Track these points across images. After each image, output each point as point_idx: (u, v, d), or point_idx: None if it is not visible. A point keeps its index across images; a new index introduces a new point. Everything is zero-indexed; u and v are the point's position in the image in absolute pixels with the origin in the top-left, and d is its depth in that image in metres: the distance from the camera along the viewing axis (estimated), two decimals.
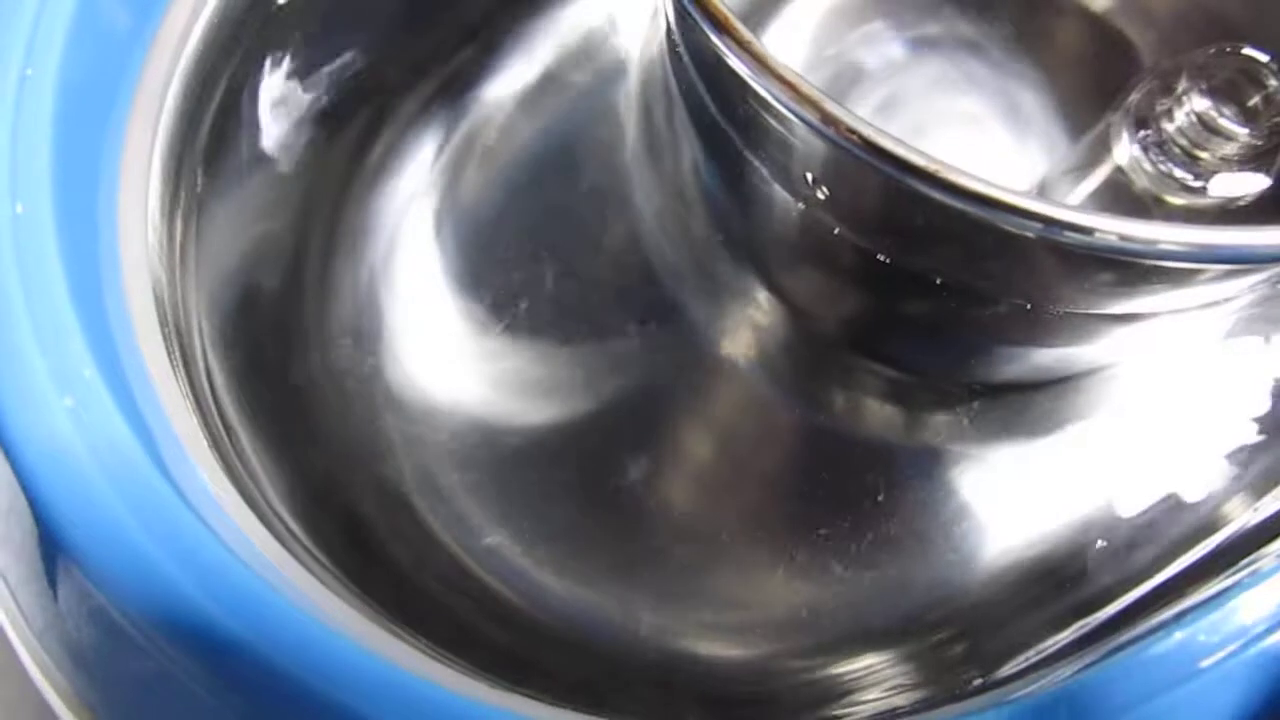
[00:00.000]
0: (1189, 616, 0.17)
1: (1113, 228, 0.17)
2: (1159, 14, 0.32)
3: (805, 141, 0.21)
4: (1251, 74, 0.28)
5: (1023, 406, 0.30)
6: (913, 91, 0.32)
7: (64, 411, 0.17)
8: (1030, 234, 0.19)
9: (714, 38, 0.20)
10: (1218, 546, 0.26)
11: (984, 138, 0.32)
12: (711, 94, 0.24)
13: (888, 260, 0.23)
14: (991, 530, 0.29)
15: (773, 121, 0.21)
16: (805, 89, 0.18)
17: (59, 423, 0.17)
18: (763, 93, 0.19)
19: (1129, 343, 0.29)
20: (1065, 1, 0.32)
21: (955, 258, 0.22)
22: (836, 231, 0.23)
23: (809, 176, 0.22)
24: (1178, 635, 0.17)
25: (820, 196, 0.22)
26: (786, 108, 0.19)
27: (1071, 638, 0.23)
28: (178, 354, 0.21)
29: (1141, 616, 0.21)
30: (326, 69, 0.28)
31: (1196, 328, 0.30)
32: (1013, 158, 0.31)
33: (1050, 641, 0.24)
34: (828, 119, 0.18)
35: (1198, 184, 0.28)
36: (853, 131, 0.18)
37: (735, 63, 0.19)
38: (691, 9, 0.20)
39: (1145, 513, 0.28)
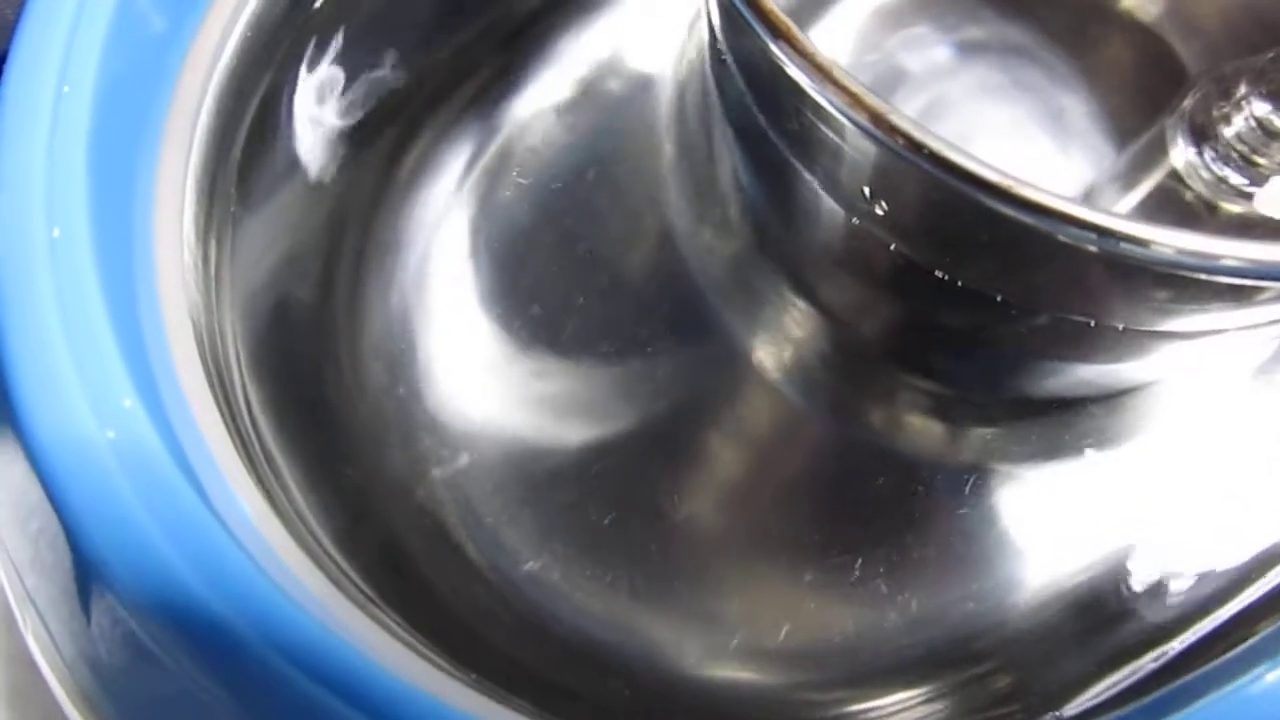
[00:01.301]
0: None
1: (1220, 250, 0.17)
2: (1207, 23, 0.31)
3: (865, 155, 0.20)
4: None
5: (1067, 424, 0.29)
6: (955, 98, 0.31)
7: (106, 445, 0.17)
8: (1114, 252, 0.18)
9: (772, 46, 0.19)
10: None
11: (1028, 145, 0.31)
12: (761, 104, 0.23)
13: (947, 277, 0.22)
14: (1036, 554, 0.28)
15: (830, 134, 0.20)
16: (872, 102, 0.18)
17: (101, 457, 0.17)
18: (824, 104, 0.19)
19: (1183, 358, 0.28)
20: (1112, 10, 0.31)
21: (1021, 275, 0.21)
22: (893, 247, 0.22)
23: (866, 191, 0.21)
24: (1269, 678, 0.16)
25: (879, 212, 0.22)
26: (850, 120, 0.18)
27: (1140, 675, 0.22)
28: (215, 380, 0.20)
29: (1214, 653, 0.20)
30: (358, 80, 0.28)
31: (1252, 341, 0.29)
32: (1058, 165, 0.31)
33: (1114, 678, 0.23)
34: (895, 133, 0.18)
35: (1254, 190, 0.28)
36: (921, 146, 0.18)
37: (795, 73, 0.19)
38: (748, 16, 0.19)
39: (1202, 538, 0.27)
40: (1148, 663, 0.23)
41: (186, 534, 0.17)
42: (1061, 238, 0.18)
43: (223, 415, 0.20)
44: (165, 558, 0.17)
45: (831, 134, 0.20)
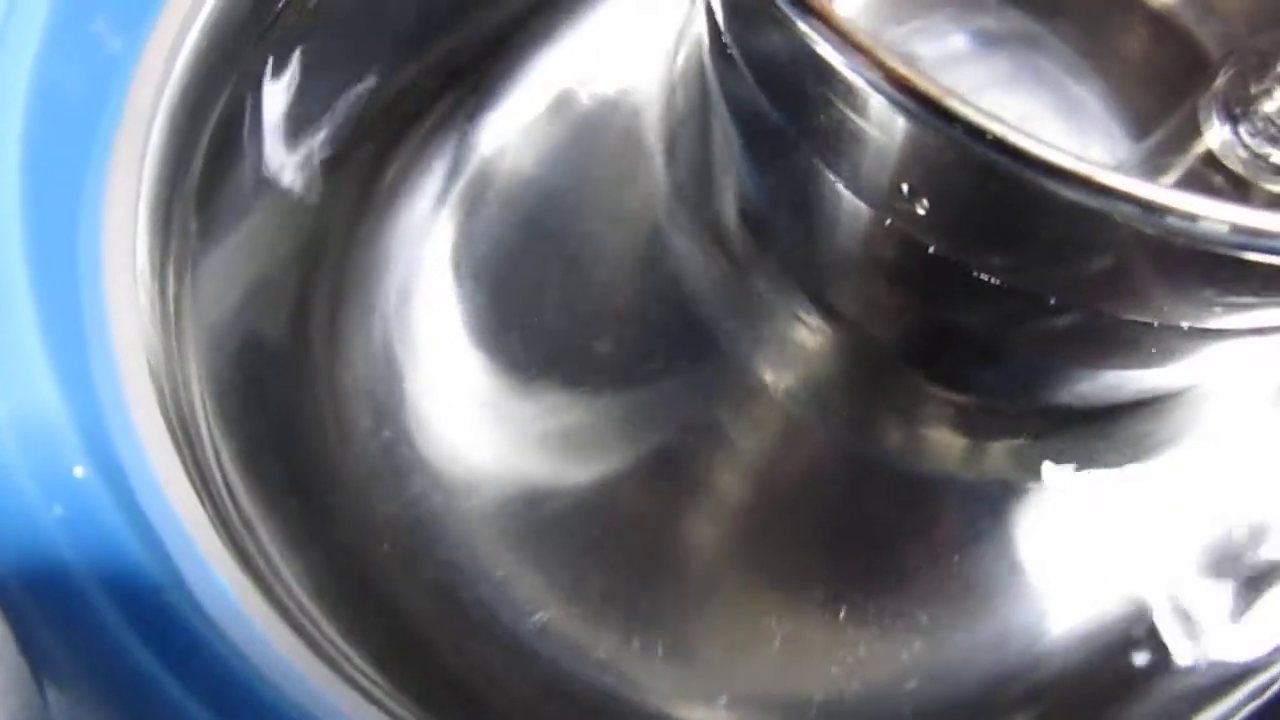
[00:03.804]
0: None
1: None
2: (1225, 5, 0.29)
3: (909, 148, 0.18)
4: None
5: (1103, 433, 0.28)
6: (968, 88, 0.29)
7: (53, 523, 0.14)
8: (1179, 230, 0.16)
9: (803, 25, 0.17)
10: None
11: (1044, 135, 0.29)
12: (776, 100, 0.21)
13: (995, 281, 0.20)
14: (1075, 581, 0.26)
15: (866, 126, 0.18)
16: (926, 86, 0.16)
17: (48, 536, 0.14)
18: (865, 91, 0.17)
19: (1225, 360, 0.26)
20: None
21: (1080, 275, 0.19)
22: (932, 250, 0.20)
23: (905, 188, 0.19)
24: None
25: (919, 211, 0.19)
26: (900, 108, 0.16)
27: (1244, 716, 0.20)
28: (180, 435, 0.18)
29: None
30: (329, 94, 0.25)
31: None
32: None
33: None
34: (954, 119, 0.15)
35: None
36: (984, 132, 0.15)
37: (831, 55, 0.17)
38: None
39: (1269, 553, 0.25)
40: (1243, 698, 0.21)
41: (154, 626, 0.14)
42: (1146, 228, 0.16)
43: (190, 476, 0.17)
44: (132, 657, 0.14)
45: (868, 126, 0.18)
